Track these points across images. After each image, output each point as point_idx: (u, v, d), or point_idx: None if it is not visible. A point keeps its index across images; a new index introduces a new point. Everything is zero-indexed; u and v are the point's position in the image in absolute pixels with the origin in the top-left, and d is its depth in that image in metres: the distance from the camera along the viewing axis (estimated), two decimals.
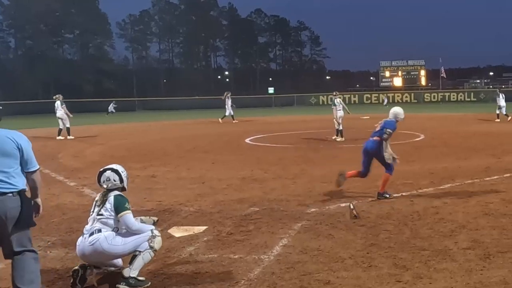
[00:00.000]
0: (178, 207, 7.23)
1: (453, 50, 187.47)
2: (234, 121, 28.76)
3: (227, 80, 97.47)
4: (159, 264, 4.80)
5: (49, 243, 5.60)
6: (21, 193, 3.96)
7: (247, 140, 17.23)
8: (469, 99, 57.00)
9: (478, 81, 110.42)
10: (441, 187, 8.21)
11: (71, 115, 20.04)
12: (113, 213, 4.39)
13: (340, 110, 16.90)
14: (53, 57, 74.47)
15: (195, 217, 6.64)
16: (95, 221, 4.41)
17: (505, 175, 9.16)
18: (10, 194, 3.86)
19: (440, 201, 7.20)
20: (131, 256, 4.38)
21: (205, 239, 5.62)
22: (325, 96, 55.10)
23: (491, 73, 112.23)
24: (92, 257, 4.35)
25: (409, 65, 71.06)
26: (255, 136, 18.49)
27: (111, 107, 45.96)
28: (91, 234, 4.33)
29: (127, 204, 4.44)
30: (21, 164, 3.99)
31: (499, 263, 4.62)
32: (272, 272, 4.53)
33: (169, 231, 5.93)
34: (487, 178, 8.90)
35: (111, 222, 4.39)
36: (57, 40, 79.92)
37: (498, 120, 24.38)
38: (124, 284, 4.28)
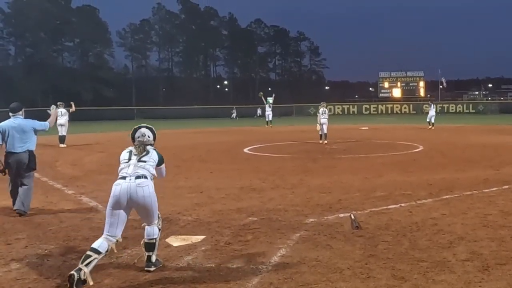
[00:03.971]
0: (176, 216, 7.22)
1: (452, 61, 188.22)
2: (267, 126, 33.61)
3: (226, 89, 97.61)
4: (157, 273, 4.78)
5: (46, 251, 5.58)
6: (29, 152, 7.57)
7: (245, 150, 17.23)
8: (467, 111, 57.17)
9: (477, 92, 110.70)
10: (440, 198, 8.20)
11: (73, 109, 20.98)
12: (155, 164, 4.99)
13: (323, 118, 19.58)
14: (52, 65, 74.59)
15: (193, 227, 6.63)
16: (137, 167, 4.82)
17: (503, 187, 9.16)
18: (24, 152, 7.50)
19: (439, 212, 7.20)
20: (147, 243, 4.90)
21: (203, 248, 5.60)
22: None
23: (490, 85, 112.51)
24: (136, 197, 4.68)
25: (408, 76, 71.25)
26: (254, 146, 18.50)
27: (234, 114, 50.54)
28: (138, 177, 4.75)
29: (163, 158, 5.19)
30: (36, 132, 7.72)
31: (497, 275, 4.61)
32: (270, 282, 4.51)
33: (167, 240, 5.91)
34: (486, 190, 8.89)
35: (152, 170, 4.95)
36: (57, 48, 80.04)
37: (430, 127, 28.27)
38: (153, 266, 4.89)
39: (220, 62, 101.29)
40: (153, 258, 4.92)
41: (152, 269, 4.85)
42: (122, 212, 4.69)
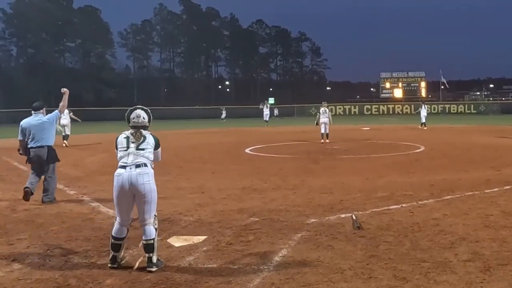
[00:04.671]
0: (177, 216, 7.22)
1: (453, 62, 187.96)
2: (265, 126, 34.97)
3: (228, 90, 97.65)
4: (159, 274, 4.78)
5: (48, 251, 5.58)
6: (48, 147, 8.52)
7: (247, 150, 17.24)
8: (469, 111, 57.18)
9: (478, 93, 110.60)
10: (441, 199, 8.19)
11: (80, 120, 22.55)
12: (153, 148, 5.05)
13: (323, 118, 20.40)
14: (54, 65, 74.69)
15: (194, 227, 6.63)
16: (136, 156, 4.93)
17: (505, 188, 9.14)
18: (43, 147, 8.44)
19: (440, 213, 7.19)
20: (146, 244, 4.92)
21: (204, 249, 5.60)
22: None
23: (492, 86, 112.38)
24: (136, 184, 4.83)
25: (410, 76, 71.24)
26: (255, 146, 18.51)
27: (223, 114, 50.18)
28: (138, 166, 4.88)
29: (159, 141, 5.21)
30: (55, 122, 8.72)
31: (499, 276, 4.61)
32: (271, 283, 4.51)
33: (168, 240, 5.92)
34: (487, 190, 8.88)
35: (151, 156, 5.04)
36: (58, 49, 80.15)
37: (423, 128, 28.99)
38: (155, 267, 4.88)
39: (221, 62, 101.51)
40: (154, 259, 4.93)
41: (154, 269, 4.86)
42: (128, 199, 4.90)
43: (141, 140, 4.98)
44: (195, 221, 6.95)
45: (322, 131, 20.38)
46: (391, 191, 8.88)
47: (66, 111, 20.69)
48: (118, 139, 5.07)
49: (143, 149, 4.96)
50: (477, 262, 4.99)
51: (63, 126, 20.30)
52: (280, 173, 11.57)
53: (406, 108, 59.97)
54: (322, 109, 20.91)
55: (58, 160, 8.81)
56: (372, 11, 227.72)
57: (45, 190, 8.41)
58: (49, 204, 8.21)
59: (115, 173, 4.93)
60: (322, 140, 19.98)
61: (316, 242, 5.79)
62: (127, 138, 5.00)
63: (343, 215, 7.07)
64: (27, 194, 8.08)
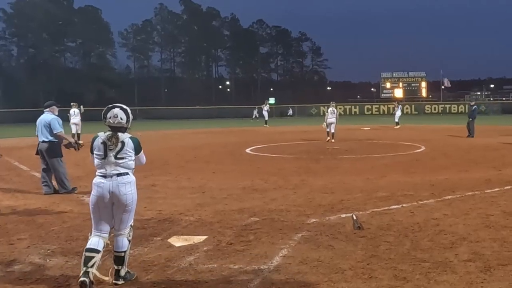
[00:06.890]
0: (178, 216, 7.22)
1: (454, 62, 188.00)
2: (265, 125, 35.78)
3: (228, 90, 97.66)
4: (159, 274, 4.79)
5: (49, 251, 5.59)
6: (49, 141, 9.23)
7: (247, 150, 17.24)
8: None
9: (479, 93, 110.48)
10: (442, 199, 8.19)
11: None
12: (133, 155, 4.58)
13: (330, 118, 20.75)
14: (55, 65, 74.78)
15: (195, 227, 6.63)
16: (116, 165, 4.49)
17: (506, 188, 9.14)
18: (45, 142, 9.22)
19: (441, 213, 7.19)
20: (116, 256, 4.55)
21: (205, 249, 5.60)
22: (325, 107, 55.21)
23: (492, 86, 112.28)
24: (118, 194, 4.46)
25: (410, 76, 71.20)
26: (256, 146, 18.51)
27: (256, 113, 49.87)
28: (119, 175, 4.49)
29: (140, 143, 4.69)
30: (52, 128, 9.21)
31: (499, 276, 4.60)
32: (271, 282, 4.51)
33: (169, 240, 5.92)
34: (488, 190, 8.88)
35: (132, 164, 4.60)
36: (59, 49, 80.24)
37: (396, 127, 30.17)
38: (122, 280, 4.54)
39: (222, 62, 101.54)
40: (122, 272, 4.57)
41: (120, 282, 4.52)
42: (106, 209, 4.52)
43: (118, 147, 4.47)
44: (195, 221, 6.95)
45: (328, 129, 20.89)
46: (392, 191, 8.88)
47: (76, 110, 21.44)
48: (95, 143, 4.56)
49: (122, 158, 4.49)
50: (477, 262, 4.99)
51: (75, 124, 20.89)
52: (281, 173, 11.58)
53: (407, 108, 59.75)
54: (330, 109, 21.40)
55: (60, 156, 9.46)
56: (373, 11, 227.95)
57: (57, 183, 9.34)
58: (65, 194, 9.11)
59: (95, 182, 4.56)
60: (328, 138, 20.48)
61: (317, 242, 5.79)
62: (104, 144, 4.48)
63: (343, 215, 7.07)
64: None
